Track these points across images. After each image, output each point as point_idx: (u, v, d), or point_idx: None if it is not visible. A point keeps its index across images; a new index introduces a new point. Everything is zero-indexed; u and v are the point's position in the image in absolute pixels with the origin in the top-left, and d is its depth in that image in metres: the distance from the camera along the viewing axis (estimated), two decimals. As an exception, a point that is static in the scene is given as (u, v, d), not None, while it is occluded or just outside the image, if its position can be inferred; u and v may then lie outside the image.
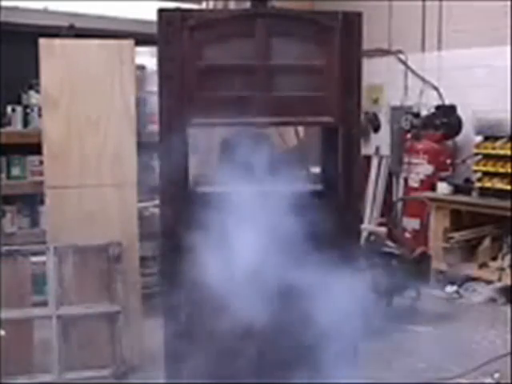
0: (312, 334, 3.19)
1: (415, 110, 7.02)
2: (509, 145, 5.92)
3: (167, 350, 3.13)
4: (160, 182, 3.08)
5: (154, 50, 3.88)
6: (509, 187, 5.84)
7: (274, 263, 3.11)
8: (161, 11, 2.93)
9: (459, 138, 6.72)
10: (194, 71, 2.95)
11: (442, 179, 6.46)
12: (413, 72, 7.24)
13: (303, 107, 3.06)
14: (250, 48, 2.98)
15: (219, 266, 3.08)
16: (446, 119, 6.61)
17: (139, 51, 4.91)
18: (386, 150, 7.37)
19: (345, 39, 3.00)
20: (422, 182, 6.72)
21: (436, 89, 6.96)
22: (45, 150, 4.14)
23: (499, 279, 5.82)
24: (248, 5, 3.16)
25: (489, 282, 5.92)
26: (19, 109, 5.48)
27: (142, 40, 4.57)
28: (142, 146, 4.56)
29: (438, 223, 6.29)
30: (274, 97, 3.01)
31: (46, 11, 6.06)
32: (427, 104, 6.96)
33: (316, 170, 3.81)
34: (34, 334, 4.10)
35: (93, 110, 4.14)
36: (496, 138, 6.06)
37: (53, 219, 4.16)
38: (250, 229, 3.04)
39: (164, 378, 3.18)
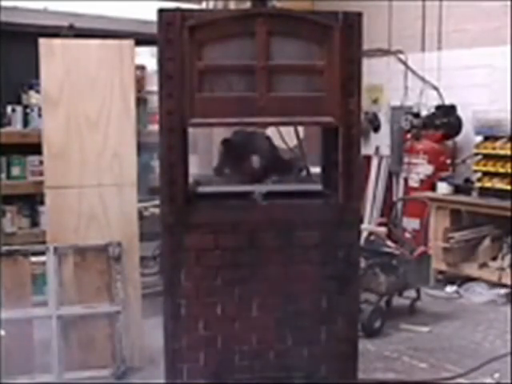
0: (312, 332, 3.19)
1: (415, 110, 7.02)
2: (509, 145, 5.92)
3: (167, 350, 3.13)
4: (160, 182, 3.08)
5: (154, 49, 3.89)
6: (509, 187, 5.85)
7: (274, 262, 3.11)
8: (161, 11, 2.93)
9: (459, 138, 6.72)
10: (193, 71, 2.95)
11: (442, 179, 6.46)
12: (413, 72, 7.24)
13: (303, 107, 3.06)
14: (249, 48, 2.98)
15: (218, 265, 3.08)
16: (446, 119, 6.61)
17: (139, 51, 4.91)
18: (385, 150, 7.37)
19: (345, 39, 3.00)
20: (422, 181, 6.72)
21: (436, 89, 6.96)
22: (45, 150, 4.14)
23: (499, 279, 5.82)
24: (248, 5, 3.16)
25: (489, 282, 5.92)
26: (19, 109, 5.47)
27: (142, 40, 4.57)
28: (142, 146, 4.56)
29: (438, 223, 6.29)
30: (274, 97, 3.01)
31: (46, 11, 6.05)
32: (427, 104, 6.96)
33: (316, 169, 3.80)
34: (34, 334, 4.10)
35: (93, 110, 4.14)
36: (496, 138, 6.07)
37: (53, 219, 4.16)
38: (249, 228, 3.04)
39: (164, 378, 3.18)
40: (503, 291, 5.79)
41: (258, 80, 2.99)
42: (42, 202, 4.52)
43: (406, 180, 7.01)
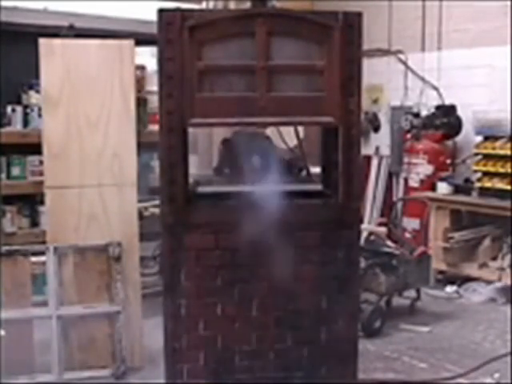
0: (312, 332, 3.19)
1: (415, 110, 7.02)
2: (509, 145, 5.92)
3: (167, 350, 3.13)
4: (160, 182, 3.08)
5: (154, 49, 3.89)
6: (509, 187, 5.85)
7: (274, 262, 3.11)
8: (161, 11, 2.93)
9: (459, 138, 6.72)
10: (193, 71, 2.95)
11: (442, 179, 6.47)
12: (413, 72, 7.24)
13: (303, 107, 3.05)
14: (249, 48, 2.98)
15: (218, 265, 3.08)
16: (446, 119, 6.61)
17: (139, 51, 4.91)
18: (385, 150, 7.37)
19: (345, 39, 3.00)
20: (422, 181, 6.72)
21: (436, 89, 6.96)
22: (45, 150, 4.14)
23: (499, 279, 5.82)
24: (248, 5, 3.16)
25: (489, 282, 5.92)
26: (19, 109, 5.47)
27: (142, 40, 4.57)
28: (142, 146, 4.56)
29: (438, 223, 6.29)
30: (274, 97, 3.00)
31: (46, 11, 6.06)
32: (427, 104, 6.96)
33: (316, 169, 3.80)
34: (34, 334, 4.10)
35: (93, 110, 4.14)
36: (496, 138, 6.07)
37: (53, 219, 4.16)
38: (249, 228, 3.04)
39: (164, 378, 3.18)
40: (500, 285, 5.78)
41: (258, 80, 2.99)
42: (42, 202, 4.53)
43: (406, 180, 7.01)
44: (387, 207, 7.21)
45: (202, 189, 3.40)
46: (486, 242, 6.20)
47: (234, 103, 3.00)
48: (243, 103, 2.99)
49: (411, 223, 6.65)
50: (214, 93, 3.00)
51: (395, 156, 7.22)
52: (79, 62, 4.11)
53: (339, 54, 3.00)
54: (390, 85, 7.40)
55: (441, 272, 6.26)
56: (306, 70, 3.06)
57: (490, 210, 5.96)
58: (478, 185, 6.14)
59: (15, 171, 5.35)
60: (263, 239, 3.07)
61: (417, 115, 6.90)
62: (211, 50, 2.97)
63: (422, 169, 6.70)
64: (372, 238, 5.81)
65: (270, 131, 4.59)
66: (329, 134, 3.36)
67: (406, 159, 6.91)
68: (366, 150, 7.17)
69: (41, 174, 4.64)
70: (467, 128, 6.52)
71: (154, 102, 4.96)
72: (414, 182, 6.82)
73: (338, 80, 3.01)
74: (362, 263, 4.80)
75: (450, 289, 6.04)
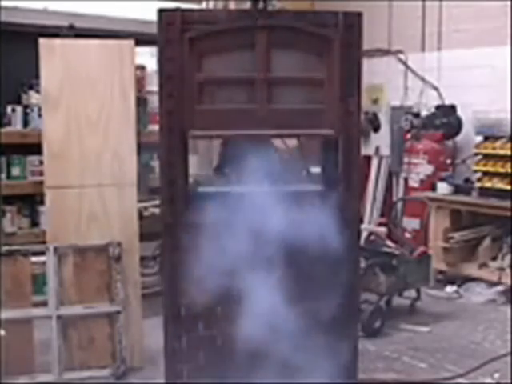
0: (312, 332, 3.19)
1: (415, 110, 7.02)
2: (509, 145, 5.92)
3: (167, 350, 3.13)
4: (160, 182, 3.08)
5: (153, 50, 3.89)
6: (509, 187, 5.85)
7: (274, 263, 3.11)
8: (161, 11, 2.93)
9: (459, 138, 6.72)
10: (193, 83, 2.95)
11: (442, 179, 6.47)
12: (413, 72, 7.24)
13: (303, 119, 3.05)
14: (249, 60, 2.97)
15: (218, 266, 3.08)
16: (446, 119, 6.61)
17: (139, 51, 4.92)
18: (385, 150, 7.36)
19: (345, 49, 2.99)
20: (422, 181, 6.72)
21: (436, 89, 6.96)
22: (45, 150, 4.14)
23: (499, 279, 5.82)
24: (248, 5, 3.14)
25: (489, 282, 5.92)
26: (19, 109, 5.48)
27: (142, 40, 4.57)
28: (141, 146, 4.56)
29: (437, 223, 6.29)
30: (274, 109, 3.00)
31: (46, 11, 6.06)
32: (427, 104, 6.96)
33: (316, 169, 3.80)
34: (34, 334, 4.10)
35: (93, 110, 4.14)
36: (496, 138, 6.07)
37: (53, 219, 4.16)
38: (250, 229, 3.04)
39: (164, 378, 3.18)
40: (501, 288, 5.79)
41: (258, 92, 2.98)
42: (42, 202, 4.53)
43: (406, 180, 7.01)
44: (387, 207, 7.21)
45: (202, 189, 3.40)
46: (486, 242, 6.20)
47: (234, 115, 2.99)
48: (243, 115, 2.99)
49: (411, 223, 6.64)
50: (213, 104, 2.99)
51: (395, 156, 7.22)
52: (79, 62, 4.11)
53: (339, 66, 2.99)
54: (390, 85, 7.39)
55: (441, 272, 6.26)
56: (306, 81, 3.06)
57: (490, 209, 5.96)
58: (477, 185, 6.14)
59: (15, 171, 5.36)
60: (263, 239, 3.07)
61: (417, 115, 6.90)
62: (211, 61, 2.97)
63: (422, 169, 6.70)
64: (372, 237, 5.81)
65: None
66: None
67: (406, 159, 6.90)
68: (366, 150, 7.16)
69: (41, 174, 4.64)
70: (467, 128, 6.52)
71: (154, 101, 4.97)
72: (413, 182, 6.81)
73: (337, 91, 3.01)
74: (362, 263, 4.80)
75: (450, 289, 6.04)
